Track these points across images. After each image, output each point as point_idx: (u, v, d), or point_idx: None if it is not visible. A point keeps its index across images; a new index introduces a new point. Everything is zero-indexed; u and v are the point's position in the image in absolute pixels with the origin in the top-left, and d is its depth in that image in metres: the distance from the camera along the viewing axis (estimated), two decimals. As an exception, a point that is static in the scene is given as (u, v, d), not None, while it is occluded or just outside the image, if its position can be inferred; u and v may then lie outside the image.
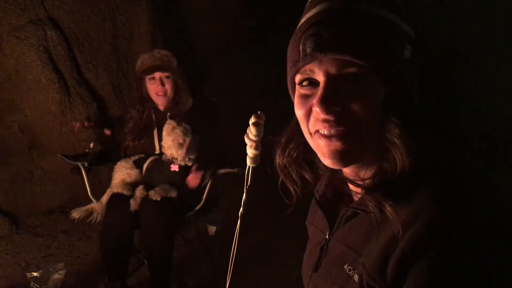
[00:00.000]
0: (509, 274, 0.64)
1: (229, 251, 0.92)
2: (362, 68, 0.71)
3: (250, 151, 0.85)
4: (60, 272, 2.46)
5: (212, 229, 2.71)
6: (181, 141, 2.47)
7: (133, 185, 2.54)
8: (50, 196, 3.68)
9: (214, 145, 2.71)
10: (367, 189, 0.76)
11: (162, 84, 2.64)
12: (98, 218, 2.58)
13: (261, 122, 0.83)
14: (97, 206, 2.58)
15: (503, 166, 3.91)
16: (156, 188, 2.44)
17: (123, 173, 2.57)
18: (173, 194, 2.45)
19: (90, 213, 2.62)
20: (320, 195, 0.97)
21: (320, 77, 0.74)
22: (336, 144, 0.75)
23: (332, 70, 0.72)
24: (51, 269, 2.48)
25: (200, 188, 2.52)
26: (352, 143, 0.74)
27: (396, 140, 0.72)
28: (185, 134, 2.49)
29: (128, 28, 3.90)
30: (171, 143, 2.48)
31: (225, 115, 2.88)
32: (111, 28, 3.80)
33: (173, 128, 2.50)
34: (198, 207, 2.54)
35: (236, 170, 2.52)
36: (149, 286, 2.49)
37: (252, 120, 0.83)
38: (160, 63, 2.64)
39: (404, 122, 0.72)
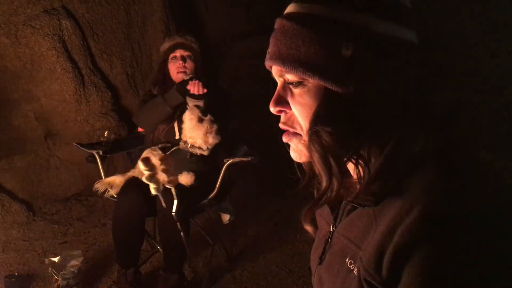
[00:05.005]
0: (506, 272, 0.60)
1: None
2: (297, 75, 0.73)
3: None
4: (77, 258, 2.50)
5: (225, 217, 2.72)
6: (209, 131, 2.51)
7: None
8: (66, 184, 3.73)
9: (226, 135, 2.69)
10: (363, 182, 0.75)
11: (184, 60, 2.68)
12: (113, 192, 2.56)
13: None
14: (118, 179, 2.58)
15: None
16: (184, 172, 2.45)
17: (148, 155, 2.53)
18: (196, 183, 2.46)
19: (111, 186, 2.60)
20: None
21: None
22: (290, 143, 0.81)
23: (278, 76, 0.78)
24: (68, 256, 2.53)
25: (214, 175, 2.53)
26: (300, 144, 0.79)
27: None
28: (212, 123, 2.53)
29: (142, 17, 3.91)
30: (202, 135, 2.50)
31: (238, 104, 2.86)
32: (124, 17, 3.81)
33: (199, 119, 2.52)
34: (211, 195, 2.55)
35: (249, 159, 2.51)
36: (163, 273, 2.52)
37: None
38: (182, 42, 2.74)
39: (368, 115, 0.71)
